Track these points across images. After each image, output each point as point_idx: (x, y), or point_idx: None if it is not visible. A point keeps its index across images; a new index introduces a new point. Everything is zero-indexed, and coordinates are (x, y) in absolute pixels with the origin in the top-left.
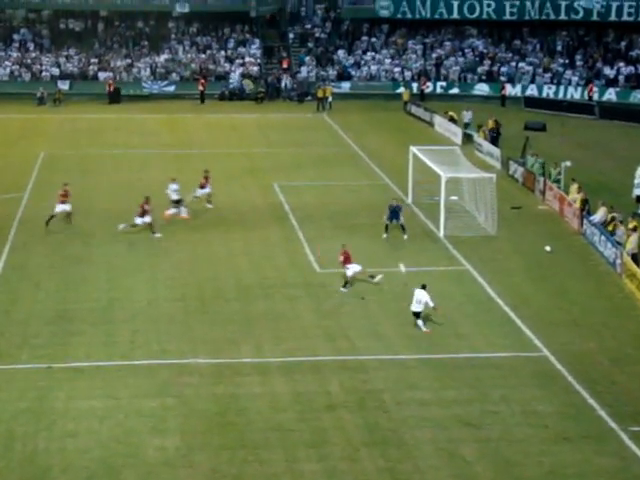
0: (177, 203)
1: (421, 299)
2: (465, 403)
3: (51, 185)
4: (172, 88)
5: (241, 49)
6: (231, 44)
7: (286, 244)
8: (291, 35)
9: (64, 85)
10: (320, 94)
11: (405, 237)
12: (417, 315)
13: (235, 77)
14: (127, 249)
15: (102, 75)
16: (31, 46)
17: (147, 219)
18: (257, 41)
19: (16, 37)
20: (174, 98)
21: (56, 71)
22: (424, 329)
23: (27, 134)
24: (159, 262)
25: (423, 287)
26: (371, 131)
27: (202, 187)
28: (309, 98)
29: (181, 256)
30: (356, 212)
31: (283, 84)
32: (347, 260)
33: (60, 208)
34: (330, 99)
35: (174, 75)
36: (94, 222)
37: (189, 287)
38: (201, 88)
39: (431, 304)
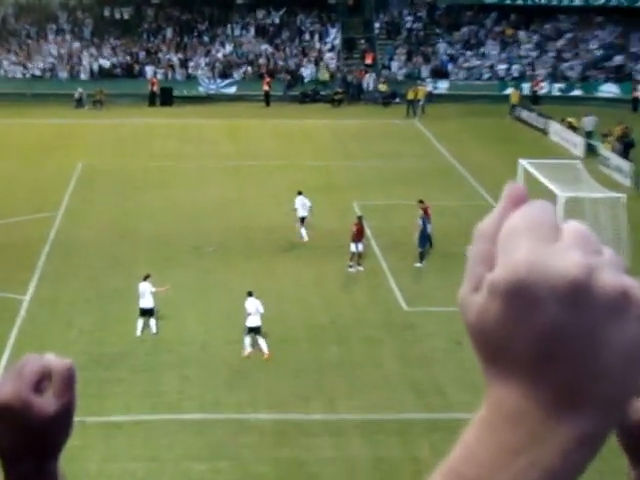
0: (303, 220)
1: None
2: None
3: (89, 203)
4: (233, 88)
5: (317, 41)
6: (305, 35)
7: (367, 276)
8: (377, 24)
9: (106, 84)
10: (411, 96)
11: None
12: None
13: (308, 74)
14: (176, 281)
15: (150, 72)
16: (69, 37)
17: (360, 247)
18: (336, 31)
19: (52, 27)
20: (235, 100)
21: (97, 67)
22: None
23: (63, 142)
24: (214, 297)
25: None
26: (472, 140)
27: (356, 241)
28: (397, 100)
29: (240, 290)
30: (452, 238)
31: (366, 83)
32: (358, 234)
33: None
34: (423, 102)
35: (236, 72)
36: (138, 249)
37: None
38: (266, 88)
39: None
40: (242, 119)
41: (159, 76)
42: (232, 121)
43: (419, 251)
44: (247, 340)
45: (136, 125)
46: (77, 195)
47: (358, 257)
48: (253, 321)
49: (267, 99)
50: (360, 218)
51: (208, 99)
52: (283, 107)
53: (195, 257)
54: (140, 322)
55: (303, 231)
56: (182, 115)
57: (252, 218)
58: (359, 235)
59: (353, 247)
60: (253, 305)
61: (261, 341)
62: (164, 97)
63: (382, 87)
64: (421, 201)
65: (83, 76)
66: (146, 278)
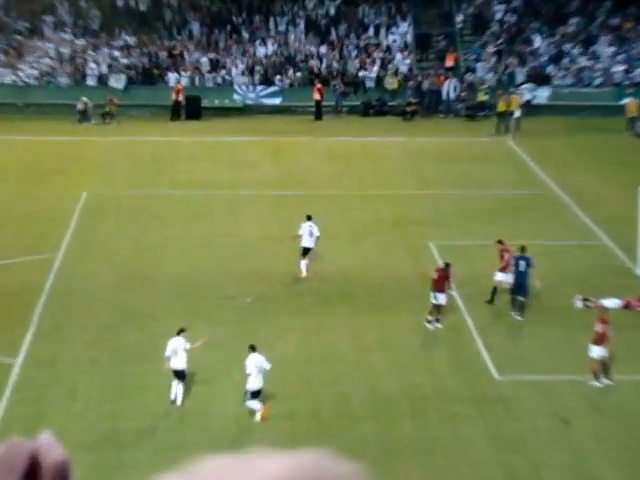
0: (306, 252)
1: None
2: None
3: (95, 242)
4: (277, 98)
5: (383, 38)
6: (368, 30)
7: (447, 335)
8: (459, 17)
9: (117, 91)
10: (502, 106)
11: None
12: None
13: (372, 79)
14: (207, 339)
15: (173, 77)
16: (71, 33)
17: (443, 299)
18: (407, 26)
19: (48, 19)
20: (279, 112)
21: (106, 70)
22: None
23: (63, 166)
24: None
25: None
26: (580, 163)
27: (437, 291)
28: (485, 112)
29: (287, 350)
30: (557, 287)
31: (445, 91)
32: (440, 282)
33: None
34: (518, 114)
35: (280, 77)
36: (158, 298)
37: (299, 398)
38: (318, 97)
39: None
40: (288, 136)
41: (184, 82)
42: (275, 139)
43: (519, 300)
44: (254, 404)
45: (155, 144)
46: (81, 232)
47: (438, 311)
48: (255, 383)
49: (319, 111)
50: (448, 265)
51: (245, 111)
52: (339, 121)
53: (229, 309)
54: (175, 386)
55: (303, 264)
56: (213, 131)
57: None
58: (442, 284)
59: (433, 298)
60: (255, 363)
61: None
62: (190, 109)
63: (481, 96)
64: (500, 241)
65: (90, 82)
66: (180, 332)
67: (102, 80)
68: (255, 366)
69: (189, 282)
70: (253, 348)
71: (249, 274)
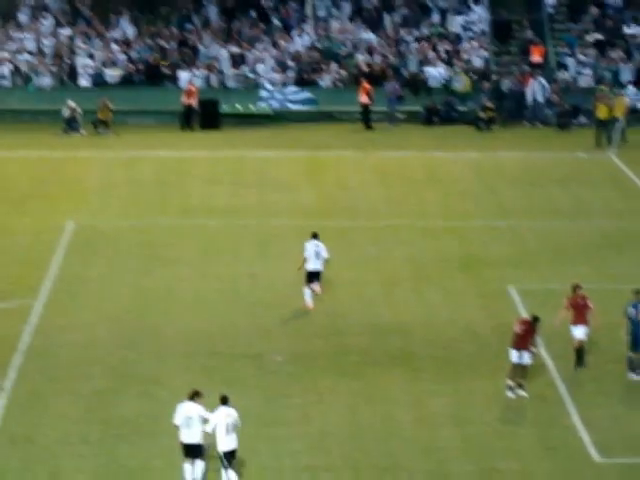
0: (314, 277)
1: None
2: None
3: (84, 285)
4: (316, 103)
5: (451, 26)
6: (432, 16)
7: (534, 406)
8: (550, 1)
9: (114, 93)
10: (602, 113)
11: None
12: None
13: (437, 78)
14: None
15: (184, 76)
16: (53, 21)
17: (527, 358)
18: (481, 11)
19: (26, 3)
20: (318, 119)
21: (100, 68)
22: None
23: (44, 189)
24: (287, 434)
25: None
26: None
27: (519, 348)
28: (581, 121)
29: (328, 422)
30: None
31: (530, 93)
32: (580, 312)
33: None
34: (622, 123)
35: (319, 76)
36: (164, 357)
37: None
38: (366, 100)
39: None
40: (329, 151)
41: (198, 82)
42: (313, 154)
43: (628, 357)
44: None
45: (161, 161)
46: (66, 273)
47: (520, 373)
48: (229, 443)
49: (368, 118)
50: (536, 320)
51: (276, 119)
52: (395, 132)
53: (256, 371)
54: (188, 467)
55: (308, 293)
56: (234, 144)
57: (346, 311)
58: (526, 340)
59: (515, 356)
60: (226, 417)
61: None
62: (206, 116)
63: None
64: (577, 286)
65: (79, 82)
66: (193, 397)
67: (95, 80)
68: (228, 421)
69: (203, 337)
70: (225, 400)
71: (280, 326)
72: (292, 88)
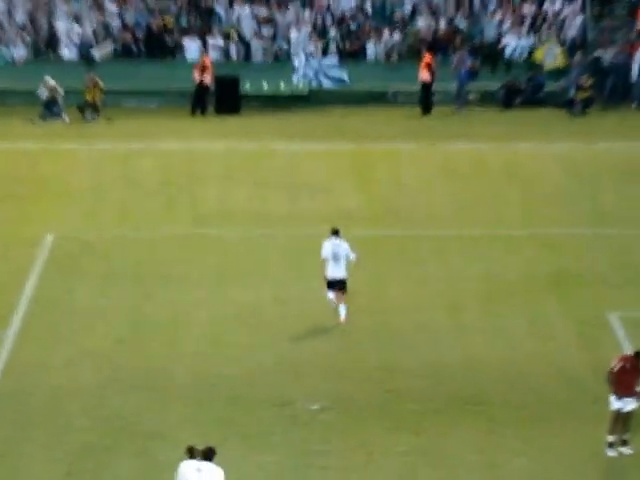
0: (340, 286)
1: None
2: None
3: (68, 314)
4: (363, 81)
5: None
6: None
7: None
8: None
9: (106, 71)
10: None
11: None
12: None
13: (517, 49)
14: (251, 471)
15: (194, 47)
16: None
17: (632, 404)
18: None
19: None
20: (367, 102)
21: (88, 36)
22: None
23: (15, 191)
24: None
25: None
26: None
27: (622, 394)
28: None
29: None
30: None
31: (638, 68)
32: (629, 380)
33: None
34: None
35: (367, 47)
36: (168, 403)
37: None
38: (426, 77)
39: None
40: (379, 142)
41: (213, 55)
42: (359, 146)
43: None
44: None
45: (166, 154)
46: (45, 297)
47: (623, 425)
48: None
49: (428, 100)
50: (638, 355)
51: (312, 100)
52: (464, 117)
53: (284, 423)
54: None
55: (333, 299)
56: (259, 133)
57: (402, 345)
58: (630, 383)
59: (616, 403)
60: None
61: None
62: (223, 97)
63: None
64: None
65: (66, 54)
66: (209, 456)
67: (81, 51)
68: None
69: (218, 378)
70: (209, 456)
71: (316, 365)
72: (333, 62)
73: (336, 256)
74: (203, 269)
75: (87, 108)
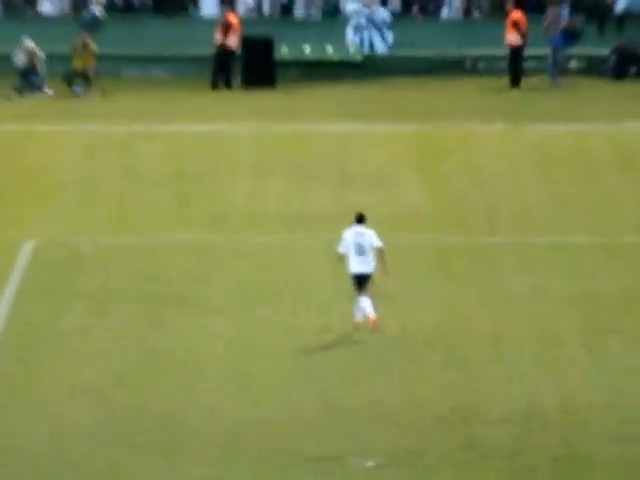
0: (362, 283)
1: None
2: None
3: (53, 343)
4: (433, 46)
5: None
6: None
7: None
8: None
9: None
10: None
11: None
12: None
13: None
14: None
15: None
16: None
17: None
18: None
19: None
20: (437, 71)
21: None
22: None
23: None
24: None
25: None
26: None
27: None
28: None
29: None
30: None
31: None
32: None
33: None
34: None
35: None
36: (189, 461)
37: None
38: (515, 40)
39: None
40: (453, 121)
41: (240, 10)
42: (427, 127)
43: None
44: None
45: (179, 138)
46: (22, 321)
47: None
48: None
49: (517, 68)
50: None
51: (368, 69)
52: (563, 89)
53: None
54: None
55: (363, 305)
56: (297, 111)
57: (482, 384)
58: None
59: None
60: None
61: None
62: (254, 65)
63: None
64: None
65: (46, 8)
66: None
67: (68, 3)
68: None
69: (247, 428)
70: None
71: (372, 410)
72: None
73: (360, 248)
74: (224, 287)
75: (76, 78)
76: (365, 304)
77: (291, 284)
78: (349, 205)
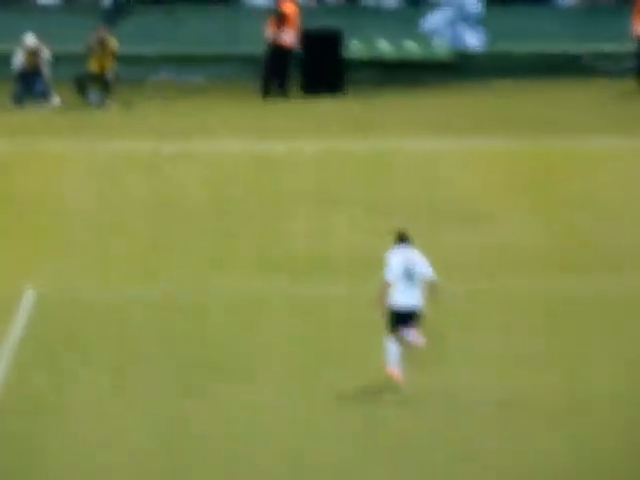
0: (407, 321)
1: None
2: None
3: (54, 412)
4: (540, 40)
5: None
6: None
7: None
8: None
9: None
10: None
11: None
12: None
13: None
14: None
15: None
16: None
17: None
18: None
19: None
20: (547, 72)
21: None
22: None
23: None
24: None
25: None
26: None
27: None
28: None
29: None
30: None
31: None
32: None
33: None
34: None
35: None
36: None
37: None
38: None
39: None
40: (569, 135)
41: None
42: (537, 142)
43: None
44: None
45: (219, 159)
46: (22, 385)
47: None
48: None
49: None
50: None
51: (460, 69)
52: None
53: None
54: None
55: (394, 350)
56: (371, 123)
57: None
58: None
59: None
60: None
61: None
62: (315, 66)
63: None
64: None
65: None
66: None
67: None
68: None
69: None
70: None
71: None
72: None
73: (409, 274)
74: (276, 347)
75: (91, 84)
76: (414, 337)
77: (364, 344)
78: (438, 244)
